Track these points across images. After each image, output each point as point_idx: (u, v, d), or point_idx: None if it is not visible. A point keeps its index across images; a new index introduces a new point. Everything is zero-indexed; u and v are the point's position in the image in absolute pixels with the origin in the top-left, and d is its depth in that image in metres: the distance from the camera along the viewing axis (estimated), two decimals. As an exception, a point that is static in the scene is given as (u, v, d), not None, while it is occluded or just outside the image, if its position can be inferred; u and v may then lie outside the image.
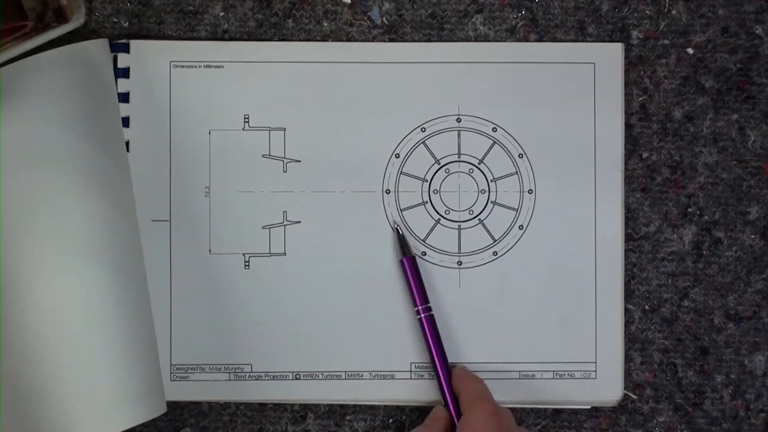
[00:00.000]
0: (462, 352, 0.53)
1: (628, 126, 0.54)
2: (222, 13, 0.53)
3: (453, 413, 0.51)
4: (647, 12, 0.54)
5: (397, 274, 0.53)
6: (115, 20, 0.53)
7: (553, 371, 0.53)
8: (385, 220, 0.53)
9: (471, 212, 0.54)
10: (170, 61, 0.53)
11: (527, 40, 0.54)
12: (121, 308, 0.48)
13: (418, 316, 0.52)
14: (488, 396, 0.50)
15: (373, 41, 0.54)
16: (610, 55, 0.53)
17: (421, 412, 0.54)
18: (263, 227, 0.53)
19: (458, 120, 0.54)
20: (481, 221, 0.54)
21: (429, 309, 0.52)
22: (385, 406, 0.54)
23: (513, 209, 0.54)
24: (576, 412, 0.54)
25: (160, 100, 0.53)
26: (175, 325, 0.53)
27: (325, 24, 0.54)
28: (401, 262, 0.52)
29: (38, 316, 0.47)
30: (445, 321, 0.53)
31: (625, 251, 0.54)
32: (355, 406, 0.54)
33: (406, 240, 0.53)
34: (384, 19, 0.54)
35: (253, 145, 0.53)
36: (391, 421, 0.54)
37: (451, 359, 0.53)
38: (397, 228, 0.53)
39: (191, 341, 0.53)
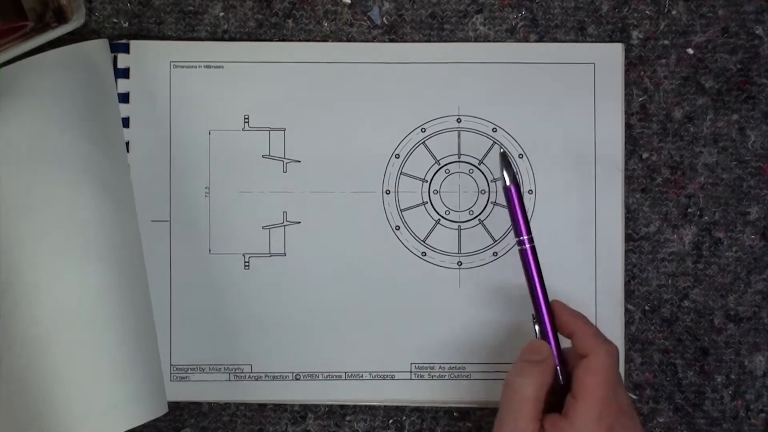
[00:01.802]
0: (462, 351, 0.53)
1: (628, 126, 0.54)
2: (222, 13, 0.53)
3: (555, 349, 0.48)
4: (647, 12, 0.54)
5: (396, 273, 0.53)
6: (115, 20, 0.53)
7: (553, 371, 0.53)
8: (385, 220, 0.53)
9: (471, 212, 0.54)
10: (170, 61, 0.53)
11: (527, 40, 0.54)
12: (121, 308, 0.48)
13: (520, 247, 0.49)
14: (606, 337, 0.47)
15: (373, 41, 0.54)
16: (610, 55, 0.53)
17: (420, 412, 0.54)
18: (263, 227, 0.53)
19: (458, 120, 0.54)
20: (481, 221, 0.54)
21: (531, 240, 0.49)
22: (385, 406, 0.54)
23: (513, 209, 0.54)
24: (576, 412, 0.54)
25: (160, 100, 0.53)
26: (175, 325, 0.53)
27: (325, 24, 0.54)
28: (505, 189, 0.49)
29: (39, 317, 0.47)
30: (445, 321, 0.53)
31: (625, 251, 0.54)
32: (355, 406, 0.54)
33: (511, 165, 0.49)
34: (384, 19, 0.54)
35: (253, 145, 0.53)
36: (391, 421, 0.54)
37: (450, 359, 0.53)
38: (503, 152, 0.49)
39: (191, 341, 0.53)
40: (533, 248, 0.49)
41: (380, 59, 0.53)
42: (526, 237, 0.49)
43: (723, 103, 0.54)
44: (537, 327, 0.49)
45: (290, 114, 0.53)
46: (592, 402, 0.44)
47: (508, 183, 0.49)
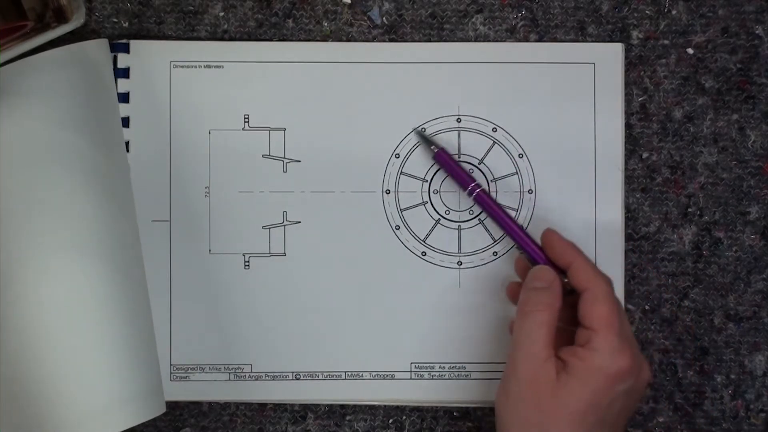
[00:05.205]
0: (462, 351, 0.53)
1: (628, 126, 0.54)
2: (222, 13, 0.53)
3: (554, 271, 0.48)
4: (647, 12, 0.54)
5: (396, 274, 0.53)
6: (115, 20, 0.53)
7: (553, 371, 0.53)
8: (385, 220, 0.53)
9: (471, 212, 0.54)
10: (170, 61, 0.53)
11: (527, 40, 0.54)
12: (120, 308, 0.48)
13: (472, 195, 0.51)
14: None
15: (373, 41, 0.54)
16: (610, 55, 0.53)
17: (420, 412, 0.54)
18: (263, 227, 0.53)
19: (458, 120, 0.54)
20: (481, 221, 0.54)
21: (479, 185, 0.52)
22: (385, 406, 0.54)
23: (513, 209, 0.54)
24: (576, 412, 0.54)
25: (160, 100, 0.53)
26: (175, 325, 0.53)
27: (325, 24, 0.54)
28: (435, 157, 0.52)
29: (37, 316, 0.47)
30: (445, 321, 0.53)
31: (625, 251, 0.54)
32: (355, 406, 0.54)
33: (430, 138, 0.53)
34: (384, 19, 0.54)
35: (253, 145, 0.53)
36: (391, 421, 0.54)
37: (450, 359, 0.53)
38: (418, 132, 0.53)
39: (191, 341, 0.53)
40: (484, 190, 0.52)
41: (380, 59, 0.53)
42: (473, 184, 0.51)
43: (723, 103, 0.54)
44: (524, 256, 0.50)
45: (290, 114, 0.53)
46: (612, 332, 0.45)
47: (437, 150, 0.52)
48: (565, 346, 0.46)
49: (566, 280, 0.48)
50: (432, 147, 0.52)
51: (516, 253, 0.52)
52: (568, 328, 0.48)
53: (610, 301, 0.46)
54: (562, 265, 0.48)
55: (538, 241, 0.50)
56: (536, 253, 0.50)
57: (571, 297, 0.48)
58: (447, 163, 0.52)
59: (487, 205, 0.51)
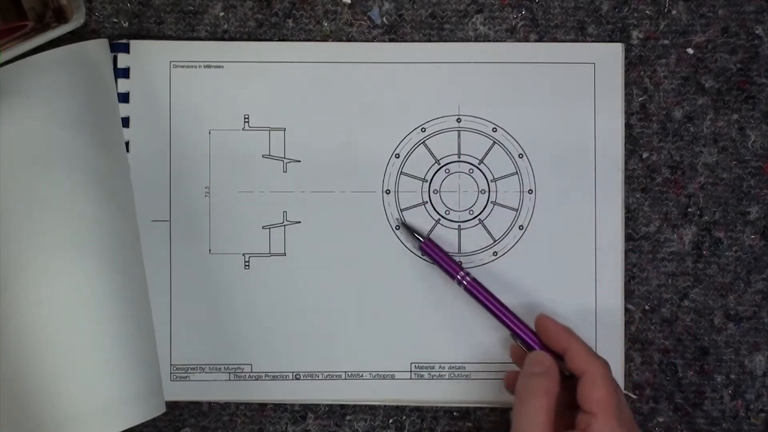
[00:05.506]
0: (462, 352, 0.53)
1: (628, 126, 0.54)
2: (222, 13, 0.53)
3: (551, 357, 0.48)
4: (647, 12, 0.54)
5: (396, 274, 0.53)
6: (115, 20, 0.53)
7: (553, 371, 0.53)
8: (385, 220, 0.53)
9: (471, 212, 0.54)
10: (170, 61, 0.53)
11: (527, 40, 0.54)
12: (120, 308, 0.48)
13: (461, 285, 0.51)
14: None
15: (373, 41, 0.54)
16: (610, 55, 0.53)
17: (420, 412, 0.54)
18: (263, 227, 0.53)
19: (458, 120, 0.54)
20: (481, 221, 0.54)
21: (468, 274, 0.51)
22: (385, 406, 0.54)
23: (513, 209, 0.54)
24: (576, 412, 0.54)
25: (160, 100, 0.53)
26: (175, 325, 0.53)
27: (325, 24, 0.54)
28: (422, 247, 0.52)
29: (37, 316, 0.47)
30: (445, 321, 0.53)
31: (625, 251, 0.54)
32: (355, 406, 0.54)
33: (415, 227, 0.53)
34: (384, 19, 0.54)
35: (253, 145, 0.53)
36: (391, 421, 0.54)
37: (450, 359, 0.53)
38: (402, 222, 0.53)
39: (191, 341, 0.53)
40: (474, 279, 0.51)
41: (380, 59, 0.53)
42: (462, 273, 0.51)
43: (723, 103, 0.54)
44: (518, 342, 0.50)
45: (290, 114, 0.53)
46: (612, 417, 0.45)
47: (423, 240, 0.52)
48: (566, 431, 0.46)
49: (564, 364, 0.48)
50: (419, 237, 0.52)
51: (511, 340, 0.51)
52: (568, 412, 0.47)
53: (608, 384, 0.46)
54: (558, 350, 0.48)
55: (533, 326, 0.50)
56: (532, 339, 0.50)
57: (569, 381, 0.48)
58: (435, 252, 0.52)
59: (479, 293, 0.51)
